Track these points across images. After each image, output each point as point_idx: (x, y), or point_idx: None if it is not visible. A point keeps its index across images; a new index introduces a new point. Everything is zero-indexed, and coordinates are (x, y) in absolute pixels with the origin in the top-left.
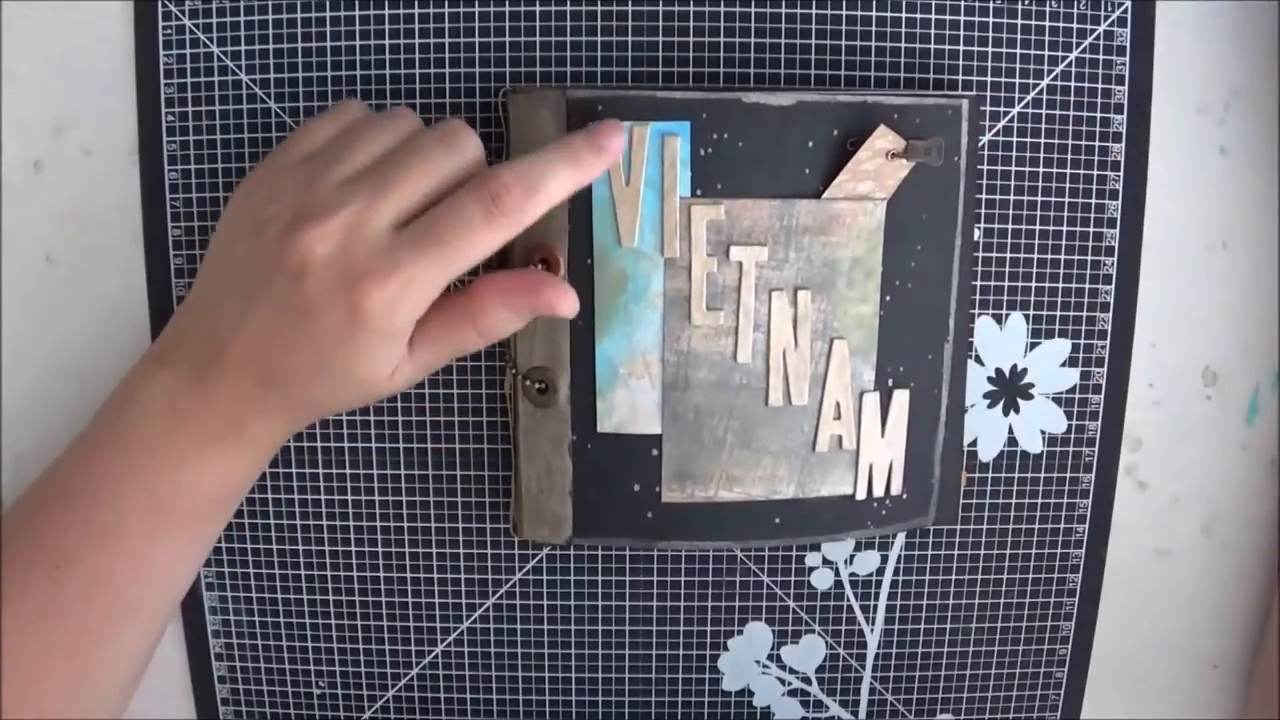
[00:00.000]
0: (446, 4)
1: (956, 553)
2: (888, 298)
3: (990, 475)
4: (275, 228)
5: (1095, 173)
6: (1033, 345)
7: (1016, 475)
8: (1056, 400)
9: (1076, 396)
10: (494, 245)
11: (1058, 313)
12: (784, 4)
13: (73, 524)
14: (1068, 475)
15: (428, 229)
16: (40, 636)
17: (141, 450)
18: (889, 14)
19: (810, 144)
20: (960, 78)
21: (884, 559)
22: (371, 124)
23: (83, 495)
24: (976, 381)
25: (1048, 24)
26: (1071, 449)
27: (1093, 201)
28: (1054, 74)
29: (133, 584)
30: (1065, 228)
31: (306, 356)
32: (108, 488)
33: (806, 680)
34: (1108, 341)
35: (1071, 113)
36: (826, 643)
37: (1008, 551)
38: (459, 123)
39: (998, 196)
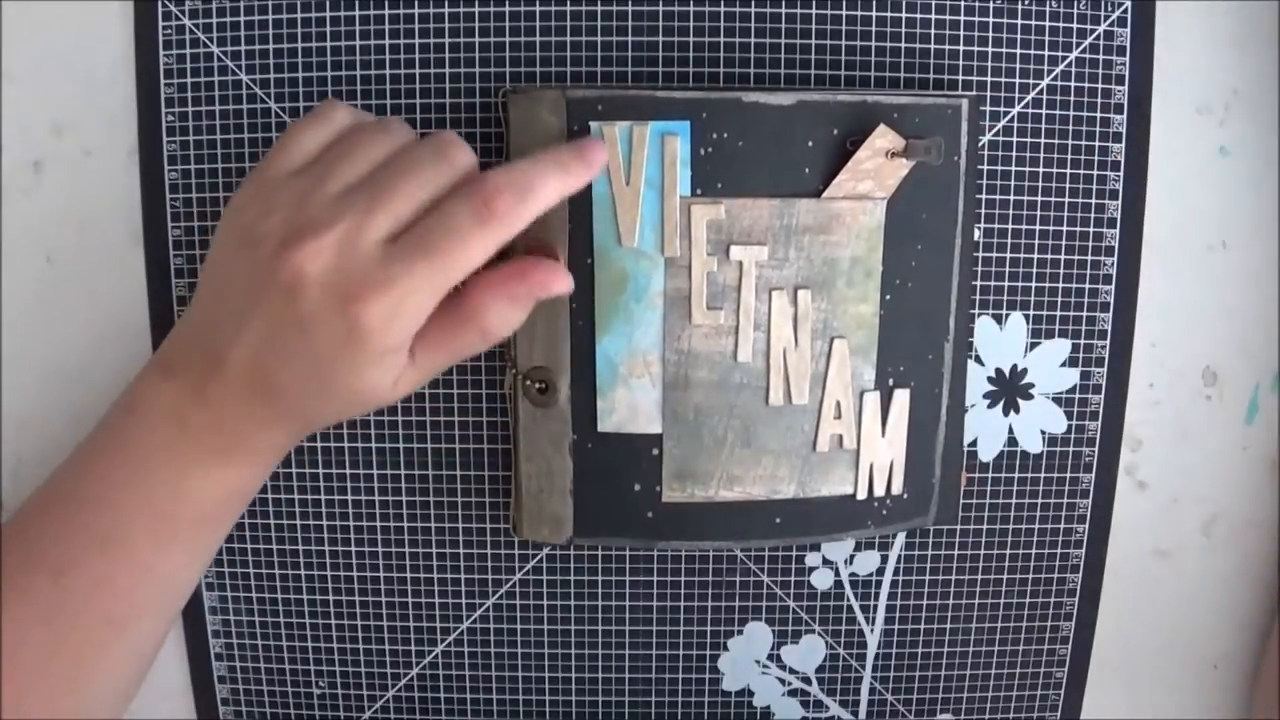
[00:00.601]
0: (446, 4)
1: (956, 553)
2: (888, 297)
3: (990, 475)
4: (269, 244)
5: (1095, 173)
6: (1033, 345)
7: (1016, 475)
8: (1056, 400)
9: (1076, 396)
10: (488, 250)
11: (1058, 313)
12: (784, 4)
13: (75, 530)
14: (1068, 475)
15: (421, 239)
16: (41, 641)
17: (144, 460)
18: (889, 14)
19: (810, 144)
20: (960, 78)
21: (884, 559)
22: (362, 134)
23: (86, 502)
24: (976, 381)
25: (1048, 24)
26: (1071, 449)
27: (1093, 201)
28: (1054, 74)
29: (135, 590)
30: (1065, 228)
31: (305, 371)
32: (110, 496)
33: (806, 680)
34: (1108, 341)
35: (1071, 113)
36: (826, 643)
37: (1008, 551)
38: (450, 134)
39: (998, 196)
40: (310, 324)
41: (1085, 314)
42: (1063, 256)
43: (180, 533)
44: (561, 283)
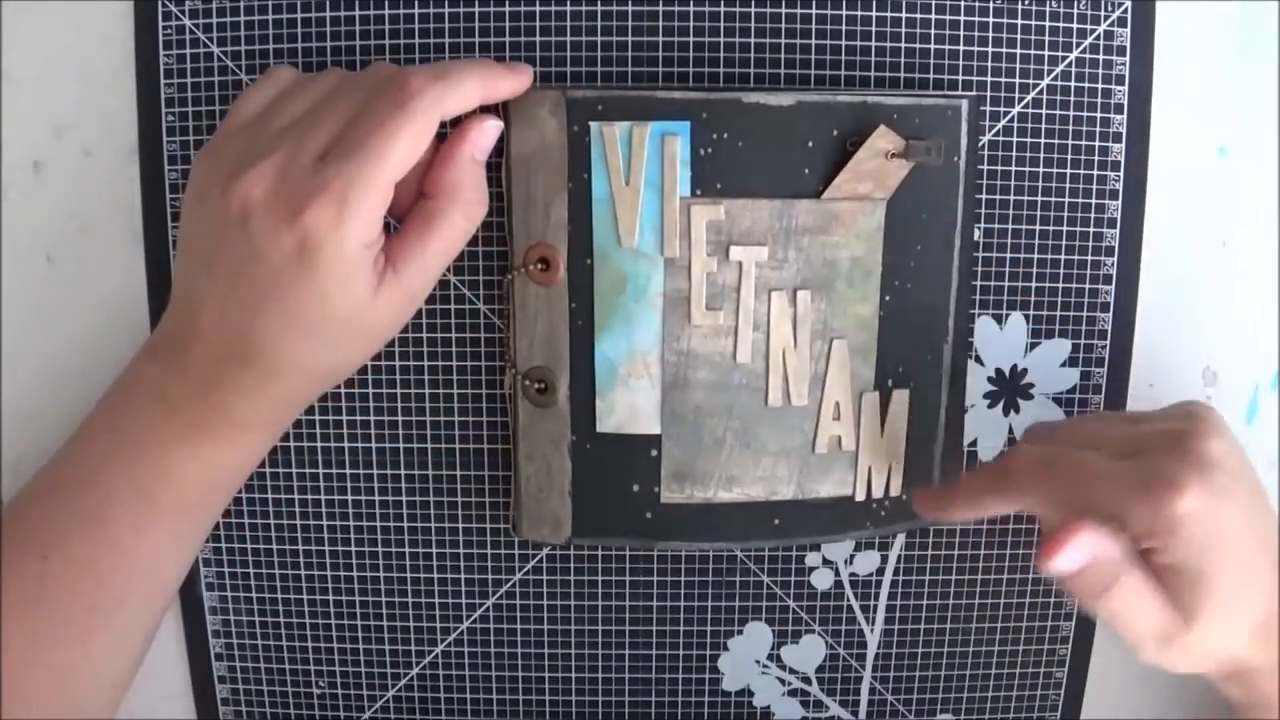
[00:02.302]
0: (446, 4)
1: (956, 553)
2: (887, 298)
3: None
4: (218, 187)
5: (1095, 173)
6: (1033, 345)
7: None
8: (1056, 400)
9: (1076, 396)
10: (415, 136)
11: (1058, 313)
12: (784, 4)
13: (62, 512)
14: None
15: (347, 138)
16: (29, 626)
17: (131, 439)
18: (889, 14)
19: (810, 144)
20: (960, 78)
21: (884, 559)
22: (303, 83)
23: (73, 483)
24: (976, 381)
25: (1048, 24)
26: None
27: (1093, 201)
28: (1054, 74)
29: (118, 574)
30: (1065, 228)
31: (273, 309)
32: (97, 476)
33: (806, 680)
34: (1108, 341)
35: (1071, 113)
36: (826, 643)
37: (1008, 551)
38: (381, 63)
39: (998, 196)
40: (264, 250)
41: (1085, 314)
42: (1063, 256)
43: (163, 516)
44: (489, 119)
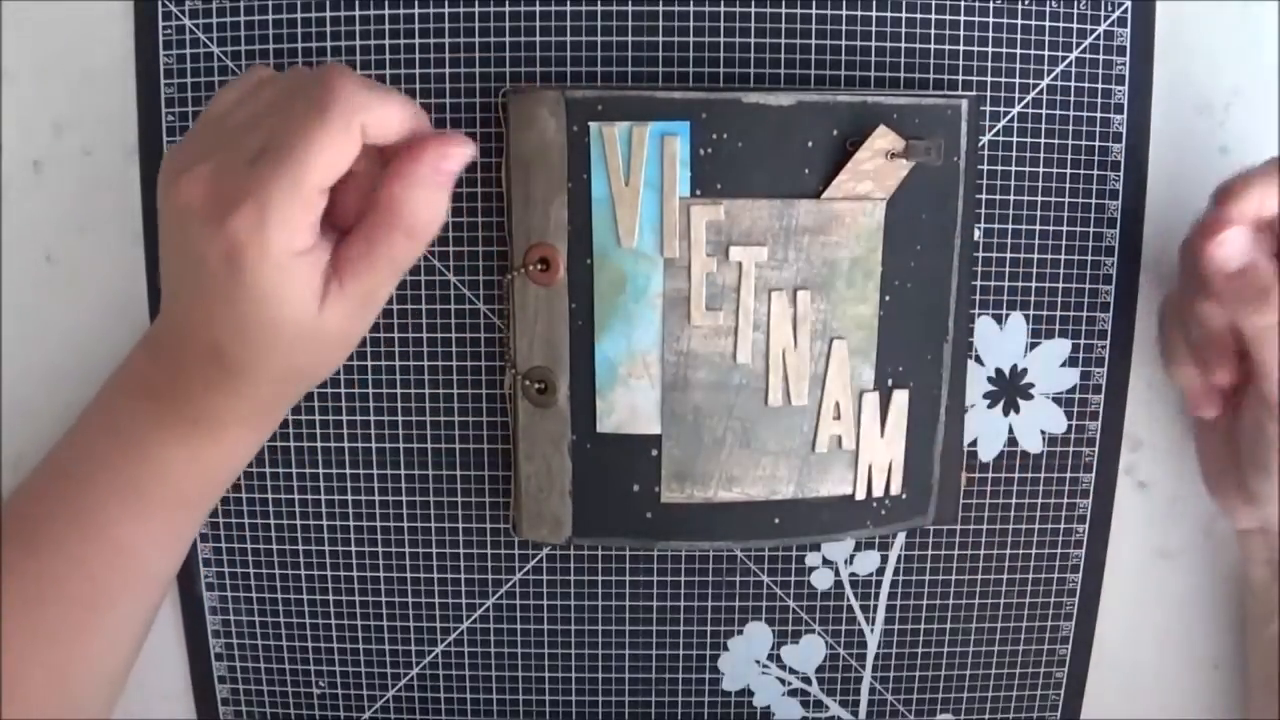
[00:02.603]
0: (446, 4)
1: (956, 553)
2: (887, 298)
3: (990, 475)
4: (167, 184)
5: (1095, 173)
6: (1033, 345)
7: (1016, 475)
8: (1056, 400)
9: (1076, 396)
10: (332, 140)
11: (1058, 313)
12: (784, 4)
13: (53, 506)
14: (1068, 475)
15: (269, 142)
16: (26, 625)
17: (121, 433)
18: (889, 14)
19: (810, 144)
20: (960, 78)
21: (884, 559)
22: (265, 82)
23: (63, 476)
24: (976, 381)
25: (1048, 24)
26: (1071, 449)
27: (1093, 201)
28: (1054, 74)
29: (108, 570)
30: (1065, 228)
31: (217, 309)
32: (87, 470)
33: (806, 680)
34: (1108, 341)
35: (1071, 113)
36: (826, 643)
37: (1008, 551)
38: (333, 63)
39: (998, 196)
40: (200, 252)
41: (1085, 314)
42: (1063, 256)
43: (151, 511)
44: (460, 149)
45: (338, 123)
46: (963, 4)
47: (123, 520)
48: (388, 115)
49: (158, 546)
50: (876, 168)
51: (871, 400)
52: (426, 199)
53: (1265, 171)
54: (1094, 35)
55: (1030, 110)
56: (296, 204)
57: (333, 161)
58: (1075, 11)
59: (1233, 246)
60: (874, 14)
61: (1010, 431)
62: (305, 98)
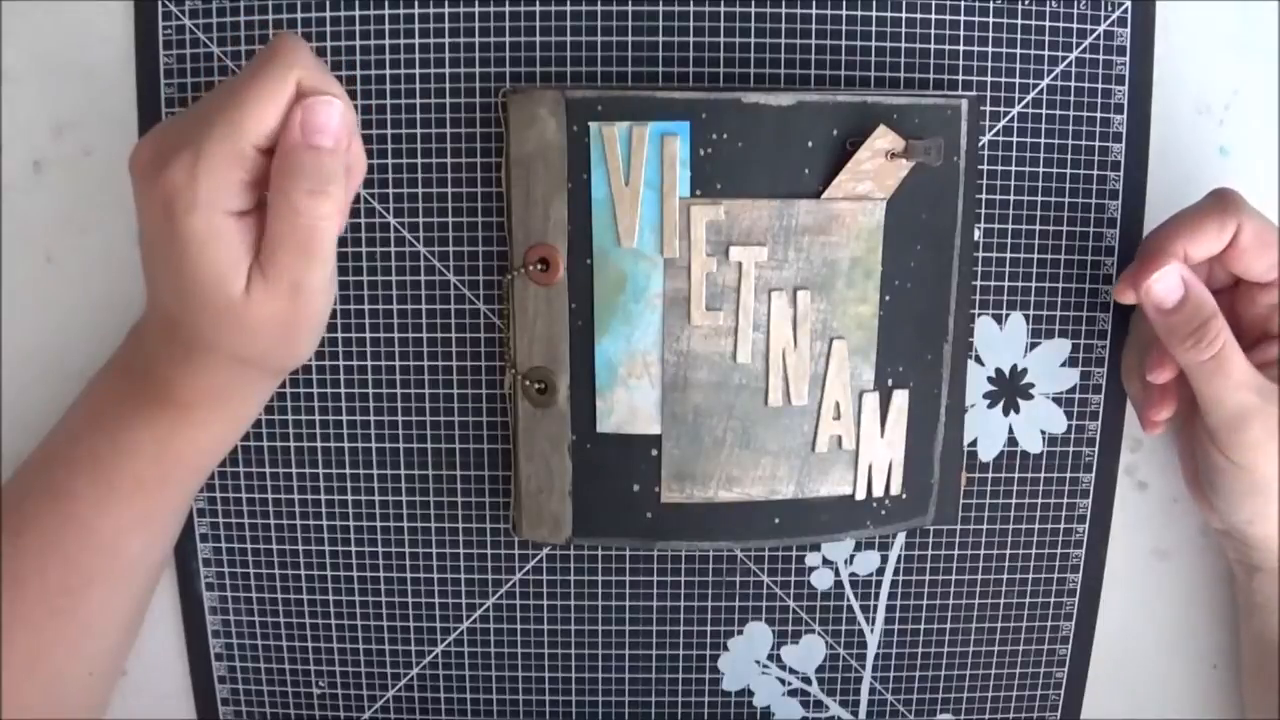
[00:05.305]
0: (446, 4)
1: (956, 553)
2: (887, 298)
3: (990, 475)
4: (130, 162)
5: (1095, 173)
6: (1033, 345)
7: (1016, 475)
8: (1056, 400)
9: (1076, 396)
10: (263, 89)
11: (1058, 313)
12: (784, 4)
13: (35, 487)
14: (1068, 475)
15: (208, 100)
16: (6, 607)
17: (98, 413)
18: (889, 14)
19: (810, 144)
20: (960, 78)
21: (884, 559)
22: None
23: (46, 458)
24: (976, 381)
25: (1048, 24)
26: (1071, 449)
27: (1093, 201)
28: (1054, 74)
29: (83, 553)
30: (1065, 228)
31: (160, 271)
32: (65, 450)
33: (806, 680)
34: (1108, 341)
35: (1071, 113)
36: (826, 643)
37: (1008, 551)
38: (285, 30)
39: (998, 196)
40: (144, 210)
41: (1085, 314)
42: (1063, 256)
43: (121, 492)
44: (320, 96)
45: (274, 72)
46: (963, 4)
47: (91, 500)
48: (324, 78)
49: (127, 531)
50: (876, 168)
51: (871, 400)
52: (309, 165)
53: (1199, 209)
54: (1094, 35)
55: (1030, 110)
56: (230, 152)
57: (263, 113)
58: (1075, 11)
59: (1168, 282)
60: (874, 14)
61: (1010, 431)
62: (249, 63)
